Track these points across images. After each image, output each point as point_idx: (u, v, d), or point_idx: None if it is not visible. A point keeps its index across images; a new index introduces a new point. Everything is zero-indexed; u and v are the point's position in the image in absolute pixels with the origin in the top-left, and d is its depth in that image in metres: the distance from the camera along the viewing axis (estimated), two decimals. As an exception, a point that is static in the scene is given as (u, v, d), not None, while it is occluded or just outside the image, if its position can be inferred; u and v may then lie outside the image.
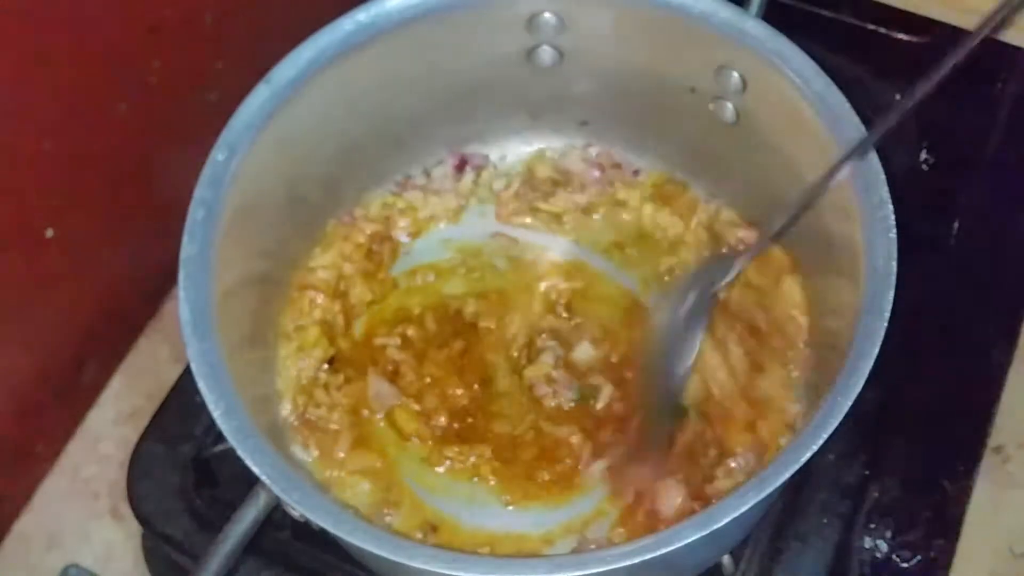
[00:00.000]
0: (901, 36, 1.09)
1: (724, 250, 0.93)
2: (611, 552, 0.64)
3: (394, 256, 0.98)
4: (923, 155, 1.03)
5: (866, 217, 0.73)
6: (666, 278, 0.94)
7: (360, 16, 0.84)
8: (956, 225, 0.99)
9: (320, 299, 0.93)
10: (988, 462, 0.95)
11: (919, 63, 1.05)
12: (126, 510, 0.93)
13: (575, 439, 0.88)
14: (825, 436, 0.66)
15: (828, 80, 0.78)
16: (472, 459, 0.88)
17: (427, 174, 1.00)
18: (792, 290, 0.88)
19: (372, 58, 0.85)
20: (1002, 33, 0.99)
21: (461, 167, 1.00)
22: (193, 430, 0.93)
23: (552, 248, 0.97)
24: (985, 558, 0.96)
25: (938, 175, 1.02)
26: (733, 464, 0.83)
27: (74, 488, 1.04)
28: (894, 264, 0.71)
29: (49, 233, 0.94)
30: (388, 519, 0.86)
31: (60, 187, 0.94)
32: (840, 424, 0.66)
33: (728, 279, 0.88)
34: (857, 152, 0.75)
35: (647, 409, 0.89)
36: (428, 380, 0.91)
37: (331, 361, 0.92)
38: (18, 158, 0.89)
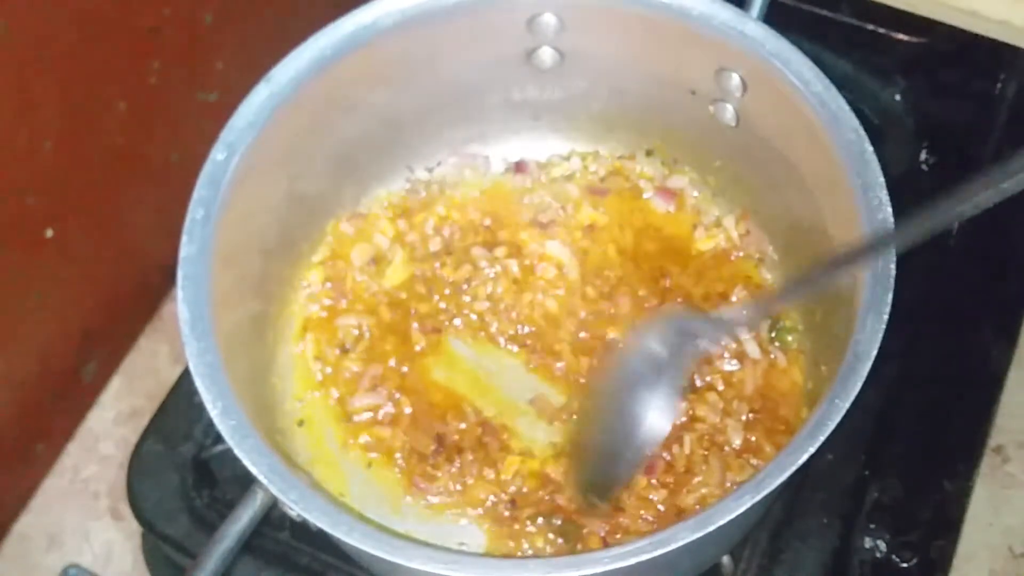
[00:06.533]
0: (901, 36, 1.09)
1: (716, 314, 0.88)
2: (608, 553, 0.64)
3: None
4: (923, 155, 1.03)
5: (865, 219, 0.73)
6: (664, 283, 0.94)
7: (360, 16, 0.84)
8: (956, 225, 0.99)
9: (319, 297, 0.94)
10: (988, 462, 0.95)
11: (919, 63, 1.08)
12: (126, 510, 0.93)
13: None
14: (822, 438, 0.66)
15: (828, 82, 0.78)
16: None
17: (429, 173, 1.00)
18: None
19: (372, 58, 0.85)
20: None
21: (462, 168, 1.00)
22: (193, 430, 0.93)
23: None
24: (985, 558, 0.96)
25: (938, 175, 1.02)
26: None
27: (74, 488, 1.05)
28: (892, 267, 0.71)
29: (49, 233, 0.95)
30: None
31: (60, 187, 0.95)
32: (839, 425, 0.66)
33: (717, 347, 0.86)
34: (874, 251, 0.72)
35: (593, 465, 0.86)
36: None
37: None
38: (18, 158, 0.89)
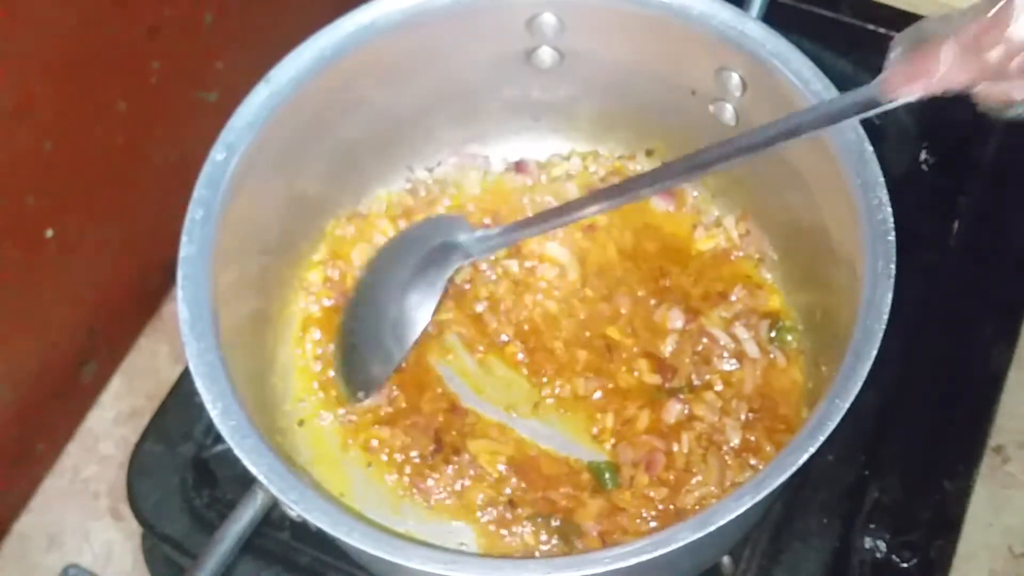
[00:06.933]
0: (901, 36, 1.08)
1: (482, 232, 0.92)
2: (608, 553, 0.64)
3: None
4: (923, 155, 1.03)
5: (865, 219, 0.73)
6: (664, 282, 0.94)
7: (360, 16, 0.84)
8: (956, 225, 0.99)
9: (319, 297, 0.94)
10: (988, 462, 0.95)
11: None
12: (126, 510, 0.93)
13: None
14: (823, 438, 0.66)
15: (828, 82, 0.78)
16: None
17: (429, 173, 1.00)
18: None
19: (372, 58, 0.85)
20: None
21: (462, 168, 1.00)
22: (193, 430, 0.93)
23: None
24: (985, 558, 0.96)
25: (938, 175, 1.02)
26: None
27: (74, 488, 1.05)
28: (892, 267, 0.71)
29: (49, 233, 0.95)
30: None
31: (60, 187, 0.94)
32: (839, 425, 0.66)
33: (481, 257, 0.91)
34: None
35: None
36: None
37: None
38: (18, 158, 0.89)
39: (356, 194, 0.97)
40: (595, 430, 0.88)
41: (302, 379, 0.92)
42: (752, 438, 0.85)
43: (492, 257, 0.94)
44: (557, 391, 0.90)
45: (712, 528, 0.64)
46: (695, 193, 0.97)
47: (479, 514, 0.86)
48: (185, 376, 0.94)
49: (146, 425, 0.95)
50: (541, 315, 0.93)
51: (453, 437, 0.88)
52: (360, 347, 0.90)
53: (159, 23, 0.97)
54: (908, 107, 1.04)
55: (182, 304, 0.74)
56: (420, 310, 0.89)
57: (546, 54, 0.91)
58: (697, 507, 0.83)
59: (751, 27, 0.81)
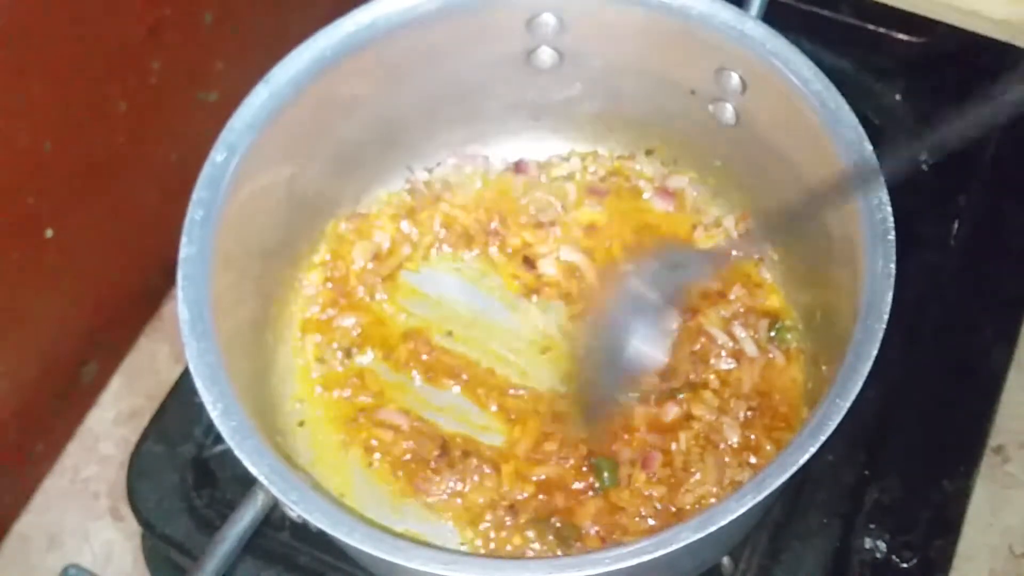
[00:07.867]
0: (901, 36, 1.09)
1: (705, 248, 0.94)
2: (609, 554, 0.64)
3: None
4: (923, 155, 1.03)
5: (865, 219, 0.73)
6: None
7: (360, 16, 0.84)
8: (956, 225, 0.99)
9: (319, 298, 0.94)
10: (988, 462, 0.95)
11: (919, 63, 1.07)
12: (126, 510, 0.93)
13: None
14: (824, 437, 0.66)
15: (827, 81, 0.78)
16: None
17: (428, 173, 1.00)
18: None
19: (372, 58, 0.85)
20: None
21: (462, 168, 1.00)
22: (193, 430, 0.93)
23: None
24: (985, 558, 0.96)
25: (938, 175, 1.02)
26: None
27: (74, 488, 1.05)
28: (892, 267, 0.71)
29: (49, 233, 0.95)
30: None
31: (60, 187, 0.94)
32: (839, 425, 0.66)
33: (703, 278, 0.89)
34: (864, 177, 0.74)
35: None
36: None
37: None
38: (18, 158, 0.89)
39: (356, 194, 0.97)
40: None
41: (302, 380, 0.92)
42: (752, 437, 0.85)
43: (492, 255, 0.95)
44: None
45: (713, 528, 0.64)
46: (695, 193, 0.97)
47: (479, 515, 0.86)
48: (185, 376, 0.93)
49: (146, 425, 0.95)
50: (544, 319, 0.93)
51: (460, 443, 0.88)
52: (598, 386, 0.90)
53: (159, 23, 0.97)
54: (908, 107, 1.05)
55: (182, 305, 0.74)
56: (656, 346, 0.88)
57: (546, 54, 0.91)
58: (696, 506, 0.83)
59: (751, 27, 0.81)
